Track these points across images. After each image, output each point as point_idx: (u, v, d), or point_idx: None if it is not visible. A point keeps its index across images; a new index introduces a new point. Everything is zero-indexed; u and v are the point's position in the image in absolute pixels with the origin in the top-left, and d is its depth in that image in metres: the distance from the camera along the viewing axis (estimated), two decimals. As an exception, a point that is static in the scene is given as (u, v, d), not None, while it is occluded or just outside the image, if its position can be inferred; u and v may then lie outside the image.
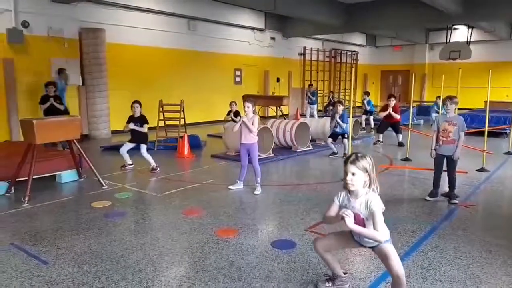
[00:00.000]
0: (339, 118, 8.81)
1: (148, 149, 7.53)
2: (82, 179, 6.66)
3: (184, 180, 6.85)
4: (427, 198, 5.62)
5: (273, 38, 17.74)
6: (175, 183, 6.53)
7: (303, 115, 14.84)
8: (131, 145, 7.39)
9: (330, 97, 18.74)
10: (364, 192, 2.78)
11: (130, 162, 7.51)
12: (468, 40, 17.75)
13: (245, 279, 3.35)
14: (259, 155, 6.29)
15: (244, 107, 5.99)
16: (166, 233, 4.40)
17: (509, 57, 20.34)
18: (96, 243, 4.10)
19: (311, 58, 20.22)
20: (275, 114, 14.22)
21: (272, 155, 8.58)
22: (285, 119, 11.17)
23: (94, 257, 3.77)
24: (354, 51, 23.09)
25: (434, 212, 5.16)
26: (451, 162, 5.44)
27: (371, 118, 13.33)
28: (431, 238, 4.26)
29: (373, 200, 2.74)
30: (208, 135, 11.80)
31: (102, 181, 6.30)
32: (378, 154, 9.32)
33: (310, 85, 17.01)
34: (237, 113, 10.65)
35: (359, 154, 2.78)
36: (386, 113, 10.21)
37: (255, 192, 5.91)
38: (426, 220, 4.85)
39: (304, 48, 19.79)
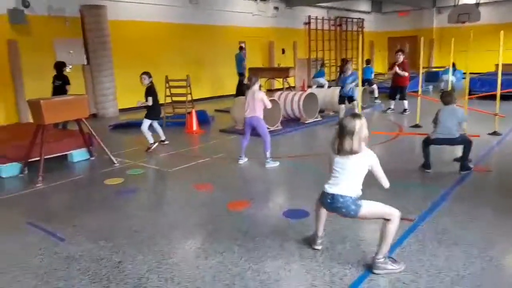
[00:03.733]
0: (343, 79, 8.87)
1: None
2: (93, 158, 6.69)
3: (194, 155, 6.86)
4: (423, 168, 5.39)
5: (276, 8, 17.37)
6: (185, 159, 6.55)
7: (310, 86, 14.60)
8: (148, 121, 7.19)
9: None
10: None
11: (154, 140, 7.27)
12: (477, 1, 17.23)
13: (260, 249, 3.38)
14: (267, 128, 6.24)
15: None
16: (178, 207, 4.44)
17: (520, 17, 19.75)
18: (110, 219, 4.15)
19: (316, 27, 19.81)
20: (281, 86, 14.07)
21: (280, 127, 8.54)
22: (291, 90, 11.06)
23: (109, 233, 3.82)
24: (360, 19, 22.57)
25: (447, 177, 5.12)
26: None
27: (374, 86, 12.66)
28: (445, 203, 4.25)
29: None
30: (216, 110, 11.74)
31: (113, 158, 6.33)
32: (389, 122, 9.23)
33: (322, 65, 16.03)
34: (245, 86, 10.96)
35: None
36: (393, 71, 9.81)
37: (267, 166, 5.85)
38: (439, 185, 4.82)
39: (309, 17, 19.37)
